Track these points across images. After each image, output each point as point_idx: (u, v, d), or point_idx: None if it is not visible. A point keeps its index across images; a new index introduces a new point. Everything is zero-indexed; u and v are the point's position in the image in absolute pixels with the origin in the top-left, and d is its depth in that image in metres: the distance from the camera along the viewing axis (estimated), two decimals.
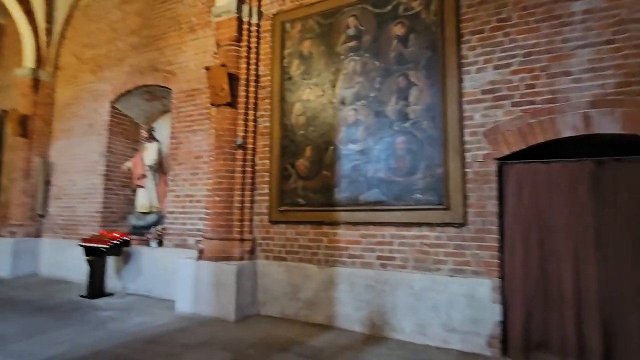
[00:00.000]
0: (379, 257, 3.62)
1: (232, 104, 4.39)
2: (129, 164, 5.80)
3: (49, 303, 4.57)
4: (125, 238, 5.04)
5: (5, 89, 7.78)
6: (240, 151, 4.40)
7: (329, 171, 3.95)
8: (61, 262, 6.08)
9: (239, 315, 3.91)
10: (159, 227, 5.23)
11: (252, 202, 4.41)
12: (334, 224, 3.88)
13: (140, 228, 5.52)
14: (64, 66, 6.73)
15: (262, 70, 4.57)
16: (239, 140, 4.37)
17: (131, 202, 6.31)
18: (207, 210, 4.54)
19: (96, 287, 4.86)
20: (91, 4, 6.51)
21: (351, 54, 3.97)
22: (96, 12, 6.43)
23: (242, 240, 4.30)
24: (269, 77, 4.48)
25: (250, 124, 4.47)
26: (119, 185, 6.12)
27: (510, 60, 3.21)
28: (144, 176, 5.63)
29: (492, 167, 3.20)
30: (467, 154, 3.31)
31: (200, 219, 4.81)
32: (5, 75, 7.88)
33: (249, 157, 4.43)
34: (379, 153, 3.68)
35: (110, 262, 5.23)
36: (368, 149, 3.75)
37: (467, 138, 3.32)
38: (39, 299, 4.75)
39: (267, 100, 4.47)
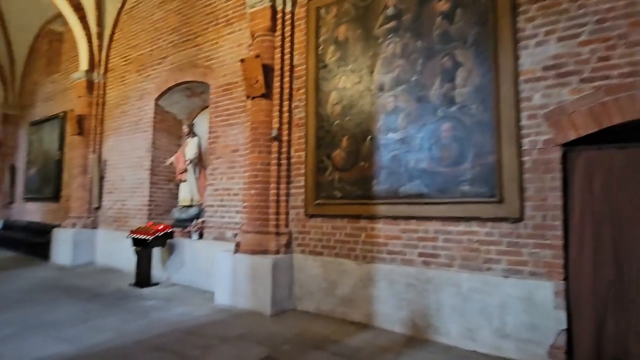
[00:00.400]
0: (421, 254, 3.35)
1: (267, 95, 4.32)
2: (171, 159, 5.99)
3: (102, 290, 4.85)
4: (168, 230, 5.21)
5: (65, 92, 8.45)
6: (276, 143, 4.32)
7: (367, 162, 3.74)
8: (114, 252, 6.47)
9: (275, 310, 3.85)
10: (200, 220, 5.35)
11: (287, 195, 4.32)
12: (372, 218, 3.67)
13: (183, 221, 5.68)
14: (113, 68, 7.12)
15: (297, 59, 4.44)
16: (274, 132, 4.29)
17: (175, 195, 6.53)
18: (243, 204, 4.54)
19: (143, 277, 5.08)
20: (136, 6, 6.79)
21: (390, 35, 3.70)
22: (140, 13, 6.70)
23: (278, 234, 4.23)
24: (304, 67, 4.34)
25: (285, 115, 4.37)
26: (164, 180, 6.36)
27: (579, 30, 2.76)
28: (185, 170, 5.79)
29: (555, 154, 2.79)
30: (525, 140, 2.93)
31: (238, 212, 4.83)
32: (65, 79, 8.55)
33: (284, 149, 4.34)
34: (421, 142, 3.39)
35: (156, 253, 5.45)
36: (409, 138, 3.47)
37: (524, 122, 2.94)
38: (93, 287, 5.07)
39: (302, 91, 4.33)
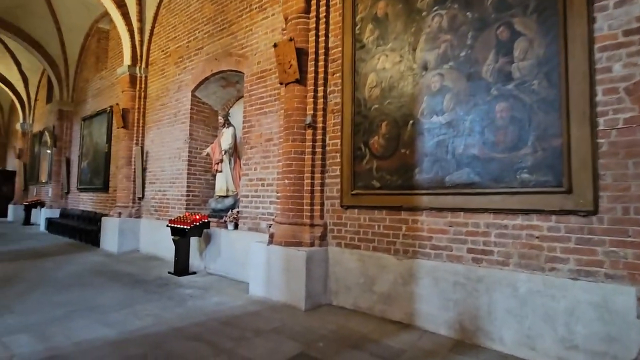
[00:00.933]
0: (470, 250, 3.01)
1: (301, 80, 4.13)
2: (207, 150, 6.02)
3: (144, 277, 4.99)
4: (204, 220, 5.24)
5: (112, 88, 8.85)
6: (310, 131, 4.13)
7: (408, 149, 3.43)
8: (156, 240, 6.69)
9: (309, 304, 3.70)
10: (235, 211, 5.33)
11: (322, 185, 4.12)
12: (415, 209, 3.37)
13: (219, 211, 5.71)
14: (154, 61, 7.30)
15: (332, 41, 4.19)
16: (308, 119, 4.10)
17: (211, 186, 6.60)
18: (277, 194, 4.41)
19: (181, 266, 5.17)
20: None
21: (435, 8, 3.33)
22: (178, 6, 6.77)
23: (312, 225, 4.06)
24: (339, 49, 4.08)
25: (320, 101, 4.16)
26: (201, 170, 6.44)
27: None
28: (221, 161, 5.79)
29: None
30: (600, 119, 2.48)
31: (272, 203, 4.72)
32: (111, 76, 8.96)
33: (318, 136, 4.14)
34: (472, 125, 3.03)
35: (194, 242, 5.53)
36: (457, 121, 3.12)
37: (600, 97, 2.49)
38: (136, 273, 5.24)
39: (338, 74, 4.09)
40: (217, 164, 5.81)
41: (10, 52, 12.38)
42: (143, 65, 7.36)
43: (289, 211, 4.10)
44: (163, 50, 7.05)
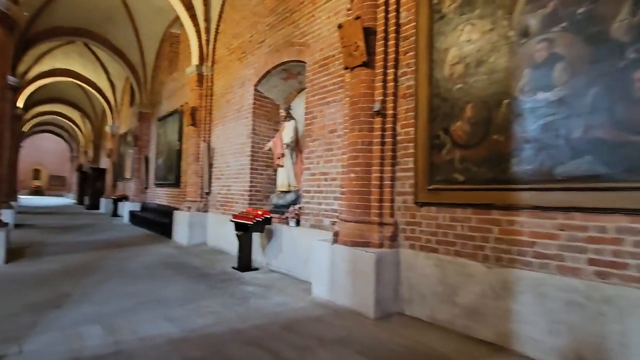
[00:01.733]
0: (593, 262, 2.35)
1: (369, 63, 3.72)
2: (269, 144, 5.92)
3: (209, 271, 5.03)
4: (266, 216, 5.11)
5: (183, 88, 9.32)
6: (379, 119, 3.70)
7: (502, 135, 2.83)
8: (221, 234, 6.83)
9: (378, 312, 3.30)
10: (297, 207, 5.12)
11: (392, 179, 3.68)
12: (510, 208, 2.77)
13: (281, 207, 5.56)
14: (219, 59, 7.45)
15: (404, 16, 3.70)
16: (377, 106, 3.68)
17: (273, 181, 6.51)
18: (341, 189, 4.07)
19: (244, 261, 5.11)
20: None
21: None
22: (241, 1, 6.78)
23: (381, 224, 3.64)
24: (413, 24, 3.58)
25: (390, 85, 3.71)
26: (263, 165, 6.38)
27: None
28: (282, 155, 5.63)
29: None
30: None
31: (336, 198, 4.40)
32: (182, 77, 9.43)
33: (388, 125, 3.70)
34: (596, 100, 2.35)
35: (256, 238, 5.46)
36: (572, 97, 2.45)
37: None
38: (202, 266, 5.32)
39: (411, 54, 3.60)
40: (279, 158, 5.67)
41: (100, 62, 13.88)
42: (209, 64, 7.56)
43: (355, 208, 3.72)
44: (227, 48, 7.14)
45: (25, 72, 13.07)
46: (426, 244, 3.36)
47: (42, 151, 32.54)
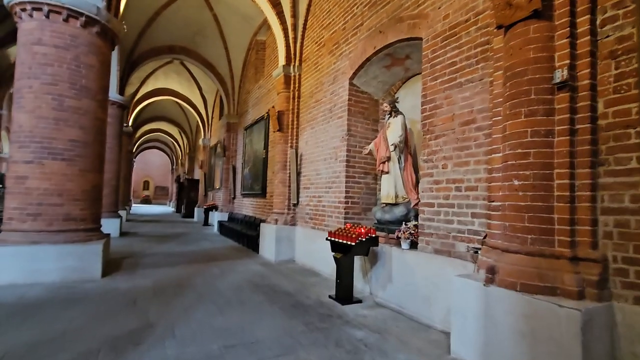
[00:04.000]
0: None
1: (542, 12, 2.45)
2: (370, 147, 4.91)
3: (303, 300, 4.17)
4: (372, 235, 4.08)
5: (268, 94, 8.97)
6: (563, 94, 2.39)
7: None
8: (311, 252, 6.02)
9: None
10: (411, 224, 3.97)
11: (593, 187, 2.31)
12: None
13: (387, 223, 4.48)
14: (307, 57, 6.77)
15: None
16: (560, 75, 2.37)
17: (372, 191, 5.48)
18: (490, 203, 2.81)
19: (344, 291, 4.13)
20: None
21: None
22: None
23: (576, 259, 2.29)
24: None
25: (583, 41, 2.37)
26: (361, 172, 5.39)
27: None
28: (387, 159, 4.56)
29: None
30: None
31: (476, 215, 3.15)
32: (267, 83, 9.10)
33: (582, 103, 2.36)
34: None
35: (357, 260, 4.45)
36: None
37: None
38: (294, 292, 4.50)
39: None
40: (383, 163, 4.61)
41: (194, 79, 14.70)
42: (297, 64, 6.93)
43: (526, 232, 2.44)
44: (316, 42, 6.41)
45: (134, 94, 14.47)
46: None
47: (150, 165, 37.04)
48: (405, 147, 4.51)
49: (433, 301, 3.43)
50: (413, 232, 3.91)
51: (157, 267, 5.68)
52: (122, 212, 13.47)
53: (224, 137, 12.16)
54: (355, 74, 5.21)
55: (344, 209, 5.25)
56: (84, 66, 5.00)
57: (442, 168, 3.55)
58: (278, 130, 7.06)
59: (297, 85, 6.94)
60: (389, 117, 4.73)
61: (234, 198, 11.66)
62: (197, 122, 17.78)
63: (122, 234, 9.82)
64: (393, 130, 4.55)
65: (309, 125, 6.49)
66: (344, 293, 4.13)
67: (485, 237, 2.99)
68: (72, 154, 4.87)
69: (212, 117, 15.80)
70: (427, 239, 3.68)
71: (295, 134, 6.90)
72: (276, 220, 6.81)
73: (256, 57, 10.17)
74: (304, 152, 6.64)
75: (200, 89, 15.09)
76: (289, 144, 6.95)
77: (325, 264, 5.49)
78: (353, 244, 3.94)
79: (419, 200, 4.35)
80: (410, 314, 3.68)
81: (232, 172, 11.61)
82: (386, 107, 4.70)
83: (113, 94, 9.50)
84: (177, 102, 17.03)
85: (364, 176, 5.42)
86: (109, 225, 9.03)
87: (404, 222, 4.12)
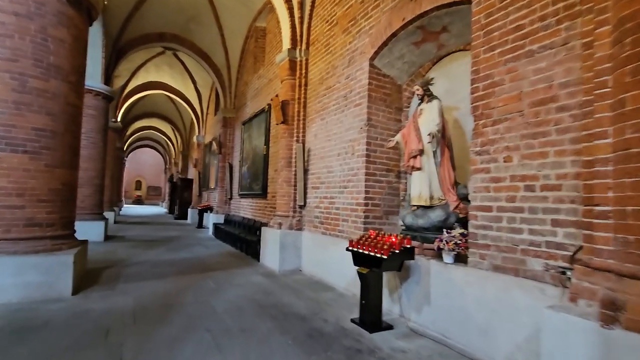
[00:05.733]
0: None
1: None
2: (397, 138, 4.13)
3: (320, 326, 3.36)
4: (407, 246, 3.29)
5: (269, 84, 8.16)
6: None
7: None
8: (322, 261, 5.22)
9: None
10: (456, 232, 3.19)
11: None
12: None
13: (420, 230, 3.70)
14: (315, 39, 5.97)
15: None
16: None
17: (395, 191, 4.69)
18: (593, 207, 2.03)
19: (371, 314, 3.34)
20: None
21: None
22: None
23: None
24: None
25: None
26: (383, 170, 4.60)
27: None
28: (420, 152, 3.78)
29: None
30: None
31: (558, 223, 2.37)
32: (268, 72, 8.29)
33: None
34: None
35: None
36: None
37: None
38: (308, 315, 3.69)
39: None
40: (414, 157, 3.83)
41: (188, 72, 13.81)
42: (303, 47, 6.13)
43: None
44: (327, 21, 5.61)
45: (124, 87, 13.54)
46: None
47: (142, 164, 35.90)
48: (442, 138, 3.72)
49: (493, 333, 2.65)
50: (461, 242, 3.13)
51: (142, 280, 4.84)
52: (110, 214, 12.54)
53: (220, 133, 11.31)
54: (377, 53, 4.43)
55: (364, 212, 4.46)
56: (53, 40, 4.15)
57: (504, 162, 2.77)
58: (282, 123, 6.25)
59: (304, 71, 6.14)
60: (421, 103, 3.96)
61: (230, 199, 10.81)
62: (192, 119, 16.88)
63: (108, 237, 8.93)
64: (427, 118, 3.76)
65: (319, 116, 5.69)
66: (371, 317, 3.34)
67: (576, 253, 2.22)
68: (37, 146, 4.02)
69: (207, 114, 14.93)
70: (481, 252, 2.89)
71: (302, 126, 6.10)
72: (280, 224, 5.99)
73: (255, 45, 9.35)
74: (313, 147, 5.83)
75: (194, 82, 14.21)
76: (295, 138, 6.14)
77: (340, 275, 4.70)
78: (385, 257, 3.14)
79: (459, 203, 3.59)
80: (461, 347, 2.90)
81: (229, 170, 10.76)
82: (418, 90, 3.92)
83: (98, 83, 8.62)
84: (169, 97, 16.13)
85: (386, 174, 4.64)
86: (92, 230, 8.15)
87: (444, 230, 3.34)
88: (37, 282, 3.79)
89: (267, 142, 7.90)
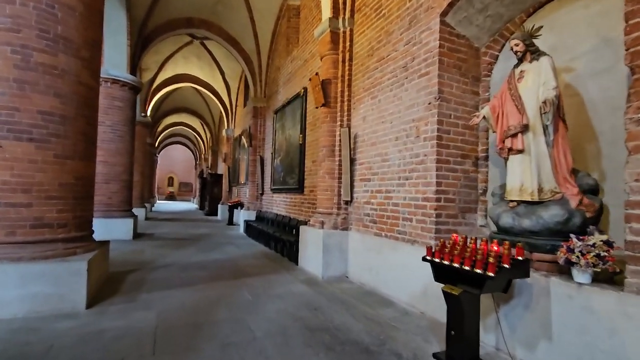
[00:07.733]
0: None
1: None
2: (484, 112, 3.14)
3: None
4: (519, 258, 2.33)
5: (304, 65, 7.33)
6: None
7: None
8: (375, 267, 4.34)
9: None
10: (596, 240, 2.20)
11: None
12: None
13: (524, 234, 2.73)
14: (362, 3, 5.03)
15: None
16: None
17: (473, 182, 3.72)
18: None
19: (465, 349, 2.42)
20: None
21: None
22: None
23: None
24: None
25: None
26: (457, 156, 3.63)
27: None
28: (523, 130, 2.79)
29: None
30: None
31: None
32: (303, 52, 7.45)
33: None
34: None
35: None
36: None
37: None
38: (370, 343, 2.84)
39: None
40: (514, 136, 2.84)
41: (216, 62, 13.27)
42: (347, 15, 5.22)
43: None
44: None
45: (152, 80, 13.23)
46: None
47: (174, 160, 36.44)
48: (558, 111, 2.71)
49: None
50: (603, 254, 2.14)
51: (168, 288, 4.19)
52: (140, 211, 12.31)
53: (250, 125, 10.64)
54: (451, 5, 3.45)
55: (435, 208, 3.52)
56: (60, 7, 3.51)
57: None
58: (323, 106, 5.39)
59: (348, 43, 5.23)
60: (519, 63, 2.95)
61: (262, 194, 10.15)
62: (220, 112, 16.44)
63: (137, 235, 8.51)
64: (534, 81, 2.76)
65: (369, 94, 4.77)
66: (465, 353, 2.42)
67: None
68: (45, 133, 3.40)
69: (235, 106, 14.37)
70: None
71: (346, 108, 5.21)
72: (322, 223, 5.16)
73: (288, 26, 8.53)
74: (361, 132, 4.94)
75: (222, 73, 13.66)
76: (339, 122, 5.27)
77: (400, 287, 3.82)
78: (491, 274, 2.21)
79: (582, 197, 2.59)
80: None
81: (260, 164, 10.08)
82: (517, 45, 2.90)
83: (123, 73, 8.15)
84: (198, 90, 15.76)
85: (461, 161, 3.67)
86: (119, 228, 7.73)
87: (572, 235, 2.35)
88: (46, 293, 3.19)
89: (303, 131, 7.08)
